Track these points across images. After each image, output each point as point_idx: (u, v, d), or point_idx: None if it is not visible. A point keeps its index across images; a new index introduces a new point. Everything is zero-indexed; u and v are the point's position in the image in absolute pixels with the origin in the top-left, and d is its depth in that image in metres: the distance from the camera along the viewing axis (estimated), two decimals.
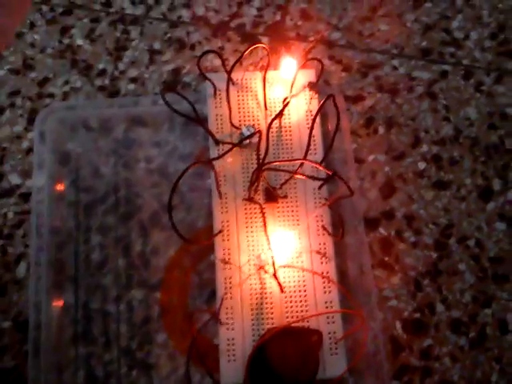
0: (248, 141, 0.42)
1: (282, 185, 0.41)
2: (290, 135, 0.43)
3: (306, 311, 0.39)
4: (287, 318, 0.39)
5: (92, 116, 0.46)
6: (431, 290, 0.43)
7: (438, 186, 0.46)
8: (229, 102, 0.42)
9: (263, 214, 0.37)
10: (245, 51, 0.42)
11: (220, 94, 0.44)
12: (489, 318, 0.42)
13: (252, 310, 0.39)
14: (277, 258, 0.37)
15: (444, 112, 0.48)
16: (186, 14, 0.52)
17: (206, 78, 0.43)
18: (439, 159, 0.46)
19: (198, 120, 0.40)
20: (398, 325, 0.42)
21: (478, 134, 0.47)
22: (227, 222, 0.41)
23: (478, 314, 0.42)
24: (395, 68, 0.49)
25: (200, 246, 0.42)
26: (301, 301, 0.39)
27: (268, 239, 0.37)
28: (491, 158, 0.47)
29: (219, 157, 0.40)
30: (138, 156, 0.45)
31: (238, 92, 0.44)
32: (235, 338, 0.39)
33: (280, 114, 0.43)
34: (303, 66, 0.44)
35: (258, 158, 0.39)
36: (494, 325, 0.42)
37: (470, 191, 0.46)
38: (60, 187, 0.44)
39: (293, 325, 0.38)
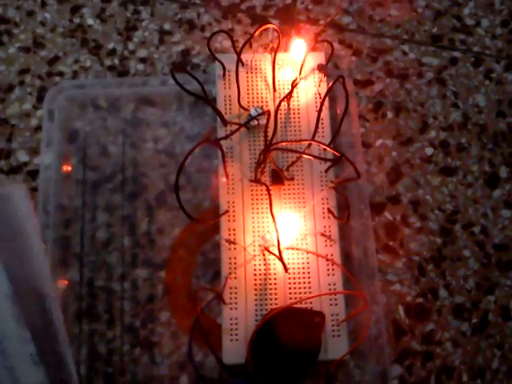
0: (256, 122, 0.42)
1: (289, 167, 0.42)
2: (299, 117, 0.43)
3: (310, 293, 0.39)
4: (291, 299, 0.39)
5: (101, 95, 0.46)
6: (435, 276, 0.43)
7: (445, 172, 0.45)
8: (238, 83, 0.42)
9: (269, 195, 0.37)
10: (255, 32, 0.42)
11: (229, 75, 0.44)
12: (491, 304, 0.42)
13: (256, 290, 0.39)
14: (282, 239, 0.37)
15: (453, 98, 0.48)
16: None
17: (215, 59, 0.43)
18: (447, 145, 0.46)
19: (206, 100, 0.40)
20: (401, 309, 0.42)
21: (486, 121, 0.47)
22: (233, 202, 0.41)
23: (481, 300, 0.43)
24: (405, 53, 0.49)
25: (205, 226, 0.42)
26: (304, 282, 0.40)
27: (274, 221, 0.37)
28: (499, 145, 0.46)
29: (226, 137, 0.41)
30: (146, 136, 0.46)
31: (247, 73, 0.44)
32: (238, 318, 0.39)
33: (288, 96, 0.43)
34: (313, 49, 0.44)
35: (266, 139, 0.40)
36: (497, 311, 0.42)
37: (477, 178, 0.45)
38: (67, 165, 0.45)
39: (296, 306, 0.38)
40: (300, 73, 0.43)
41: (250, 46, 0.48)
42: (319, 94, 0.44)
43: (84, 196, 0.44)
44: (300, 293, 0.39)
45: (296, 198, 0.41)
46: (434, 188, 0.45)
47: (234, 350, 0.38)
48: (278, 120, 0.40)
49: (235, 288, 0.39)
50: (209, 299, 0.40)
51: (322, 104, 0.40)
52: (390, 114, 0.47)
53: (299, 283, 0.40)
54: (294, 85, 0.43)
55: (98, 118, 0.46)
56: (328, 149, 0.38)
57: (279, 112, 0.41)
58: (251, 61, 0.44)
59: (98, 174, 0.45)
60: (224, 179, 0.41)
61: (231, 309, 0.39)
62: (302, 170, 0.42)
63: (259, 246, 0.40)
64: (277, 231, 0.36)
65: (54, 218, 0.42)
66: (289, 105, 0.43)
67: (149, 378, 0.40)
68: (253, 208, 0.41)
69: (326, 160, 0.40)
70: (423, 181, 0.45)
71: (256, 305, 0.39)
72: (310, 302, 0.39)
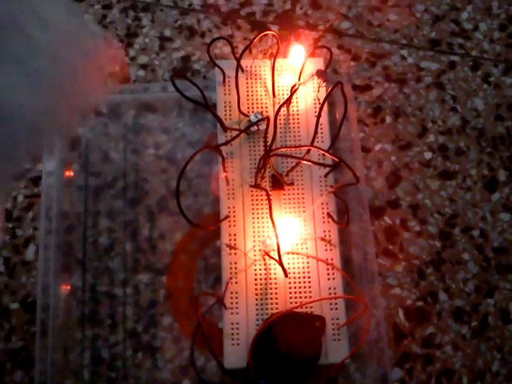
0: (256, 127, 0.42)
1: (289, 172, 0.42)
2: (298, 123, 0.44)
3: (310, 297, 0.40)
4: (291, 303, 0.39)
5: (102, 101, 0.47)
6: (434, 279, 0.43)
7: (444, 176, 0.46)
8: (237, 89, 0.43)
9: (269, 200, 0.37)
10: (254, 38, 0.42)
11: (229, 81, 0.44)
12: (491, 307, 0.43)
13: (256, 295, 0.40)
14: (282, 244, 0.37)
15: (451, 102, 0.48)
16: (196, 1, 0.52)
17: (215, 65, 0.44)
18: (445, 149, 0.47)
19: (206, 106, 0.41)
20: (401, 312, 0.42)
21: (484, 125, 0.47)
22: (233, 207, 0.41)
23: (480, 303, 0.43)
24: (404, 58, 0.49)
25: (206, 231, 0.42)
26: (305, 287, 0.40)
27: (274, 225, 0.37)
28: (497, 148, 0.47)
29: (227, 142, 0.41)
30: (147, 142, 0.46)
31: (246, 79, 0.44)
32: (239, 323, 0.39)
33: (288, 102, 0.43)
34: (312, 55, 0.44)
35: (266, 145, 0.40)
36: (496, 314, 0.43)
37: (476, 181, 0.46)
38: (69, 172, 0.45)
39: (297, 310, 0.39)
40: (299, 78, 0.44)
41: (250, 52, 0.48)
42: (318, 100, 0.44)
43: (86, 202, 0.44)
44: (300, 297, 0.40)
45: (296, 202, 0.42)
46: (433, 192, 0.45)
47: (235, 354, 0.38)
48: (278, 125, 0.41)
49: (236, 293, 0.40)
50: (210, 304, 0.40)
51: (321, 109, 0.40)
52: (388, 119, 0.47)
53: (299, 287, 0.40)
54: (293, 90, 0.43)
55: (99, 124, 0.46)
56: (327, 154, 0.38)
57: (279, 117, 0.41)
58: (251, 67, 0.45)
59: (100, 180, 0.45)
60: (224, 185, 0.42)
61: (232, 313, 0.39)
62: (301, 175, 0.42)
63: (259, 250, 0.40)
64: (277, 236, 0.37)
65: (56, 224, 0.42)
66: (288, 110, 0.44)
67: (151, 382, 0.40)
68: (253, 213, 0.41)
69: (325, 165, 0.41)
70: (422, 185, 0.45)
71: (257, 309, 0.39)
72: (311, 307, 0.39)
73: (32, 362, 0.40)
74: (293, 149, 0.42)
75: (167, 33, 0.50)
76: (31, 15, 0.27)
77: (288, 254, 0.40)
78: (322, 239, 0.41)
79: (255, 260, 0.40)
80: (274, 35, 0.43)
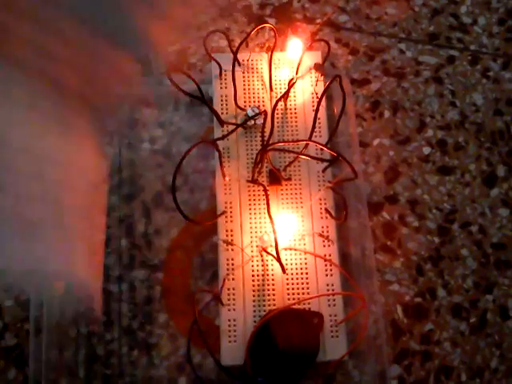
0: (253, 122, 0.42)
1: (286, 167, 0.41)
2: (295, 117, 0.43)
3: (308, 293, 0.39)
4: (289, 300, 0.39)
5: None
6: (433, 275, 0.43)
7: (443, 171, 0.45)
8: (234, 82, 0.42)
9: (267, 195, 0.37)
10: (251, 31, 0.42)
11: (225, 75, 0.44)
12: (490, 303, 0.42)
13: (254, 291, 0.39)
14: (279, 240, 0.37)
15: (450, 97, 0.48)
16: None
17: (211, 59, 0.43)
18: (444, 144, 0.46)
19: (203, 100, 0.40)
20: (399, 309, 0.42)
21: (483, 120, 0.47)
22: (230, 203, 0.41)
23: (479, 299, 0.43)
24: (402, 52, 0.49)
25: (203, 226, 0.42)
26: (302, 283, 0.40)
27: (271, 221, 0.37)
28: (496, 144, 0.46)
29: (223, 137, 0.40)
30: (142, 136, 0.45)
31: (243, 73, 0.44)
32: (236, 319, 0.39)
33: (285, 96, 0.43)
34: (310, 48, 0.44)
35: (263, 139, 0.39)
36: (495, 311, 0.42)
37: (475, 177, 0.45)
38: None
39: (294, 307, 0.38)
40: (297, 72, 0.43)
41: (247, 46, 0.48)
42: (316, 94, 0.43)
43: None
44: (298, 293, 0.39)
45: (293, 198, 0.41)
46: (431, 187, 0.45)
47: (232, 351, 0.38)
48: (275, 120, 0.40)
49: (233, 289, 0.39)
50: (207, 300, 0.40)
51: (318, 103, 0.40)
52: (387, 113, 0.47)
53: (297, 284, 0.40)
54: (290, 84, 0.42)
55: None
56: (325, 149, 0.38)
57: (276, 112, 0.41)
58: (248, 60, 0.44)
59: None
60: (221, 180, 0.41)
61: (229, 310, 0.39)
62: (299, 170, 0.42)
63: (257, 246, 0.40)
64: (274, 232, 0.36)
65: None
66: (286, 104, 0.43)
67: (147, 379, 0.40)
68: (250, 209, 0.41)
69: (322, 160, 0.40)
70: (421, 180, 0.45)
71: (254, 306, 0.39)
72: (309, 303, 0.39)
73: (26, 360, 0.39)
74: (290, 143, 0.41)
75: None
76: None
77: (285, 249, 0.40)
78: (320, 235, 0.40)
79: (252, 256, 0.40)
80: (271, 28, 0.43)
